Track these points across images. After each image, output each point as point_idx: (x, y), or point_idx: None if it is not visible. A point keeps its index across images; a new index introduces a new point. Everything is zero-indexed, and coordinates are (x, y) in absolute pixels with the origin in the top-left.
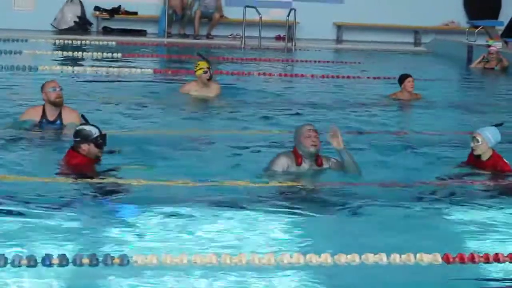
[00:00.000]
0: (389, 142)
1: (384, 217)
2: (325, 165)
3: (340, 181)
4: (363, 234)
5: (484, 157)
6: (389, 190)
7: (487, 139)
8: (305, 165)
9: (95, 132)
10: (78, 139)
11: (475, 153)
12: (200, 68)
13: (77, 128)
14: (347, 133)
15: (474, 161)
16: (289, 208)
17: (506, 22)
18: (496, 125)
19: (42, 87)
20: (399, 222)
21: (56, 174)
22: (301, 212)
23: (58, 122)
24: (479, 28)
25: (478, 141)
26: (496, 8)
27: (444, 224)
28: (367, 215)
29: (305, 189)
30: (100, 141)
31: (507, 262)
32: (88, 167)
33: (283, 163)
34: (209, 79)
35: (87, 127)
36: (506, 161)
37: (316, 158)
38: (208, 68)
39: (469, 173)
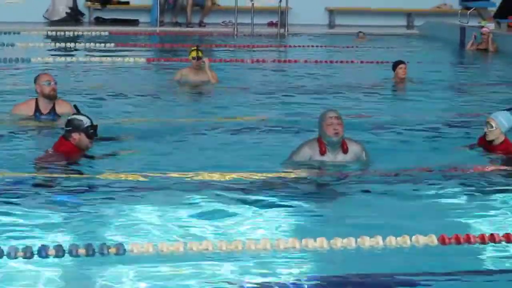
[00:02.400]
0: (383, 126)
1: (379, 200)
2: (351, 151)
3: (341, 169)
4: (358, 217)
5: (497, 142)
6: (383, 173)
7: (501, 124)
8: (330, 154)
9: (86, 122)
10: (69, 128)
11: (488, 138)
12: (190, 55)
13: (69, 118)
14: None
15: (485, 144)
16: (285, 194)
17: (498, 3)
18: (509, 109)
19: (36, 80)
20: (395, 205)
21: (47, 162)
22: (297, 197)
23: (52, 114)
24: (472, 9)
25: (492, 127)
26: None
27: (440, 205)
28: (362, 198)
29: (311, 177)
30: (91, 131)
31: (503, 242)
32: (79, 156)
33: (305, 154)
34: (199, 62)
35: (78, 117)
36: None
37: (342, 144)
38: (198, 54)
39: (475, 155)
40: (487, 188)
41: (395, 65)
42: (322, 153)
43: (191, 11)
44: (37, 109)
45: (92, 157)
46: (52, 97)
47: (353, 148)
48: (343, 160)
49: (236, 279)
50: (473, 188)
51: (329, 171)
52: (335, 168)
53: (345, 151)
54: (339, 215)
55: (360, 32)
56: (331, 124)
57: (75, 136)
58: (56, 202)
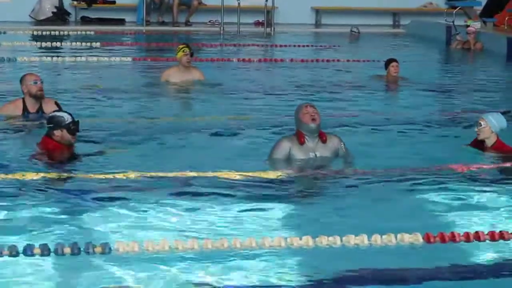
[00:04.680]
0: (370, 124)
1: (364, 198)
2: (329, 142)
3: (333, 167)
4: (344, 215)
5: (489, 143)
6: (369, 172)
7: (491, 123)
8: (309, 144)
9: (67, 118)
10: (51, 125)
11: (479, 138)
12: (181, 50)
13: (50, 115)
14: (329, 116)
15: (478, 147)
16: (269, 193)
17: (483, 2)
18: (504, 113)
19: (22, 80)
20: (380, 203)
21: (32, 161)
22: (281, 195)
23: (40, 113)
24: (457, 8)
25: (481, 125)
26: None
27: (425, 203)
28: (347, 196)
29: (295, 175)
30: (72, 127)
31: (487, 241)
32: (63, 154)
33: (284, 147)
34: (192, 58)
35: (59, 114)
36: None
37: (320, 135)
38: (190, 51)
39: (466, 154)
40: (473, 187)
41: (388, 63)
42: (301, 143)
43: (177, 11)
44: (25, 108)
45: (78, 156)
46: (39, 97)
47: (332, 139)
48: (323, 149)
49: (222, 277)
50: (459, 186)
51: (311, 163)
52: (316, 159)
53: (324, 141)
54: (324, 213)
55: (352, 30)
56: (307, 112)
57: (57, 133)
58: (41, 201)
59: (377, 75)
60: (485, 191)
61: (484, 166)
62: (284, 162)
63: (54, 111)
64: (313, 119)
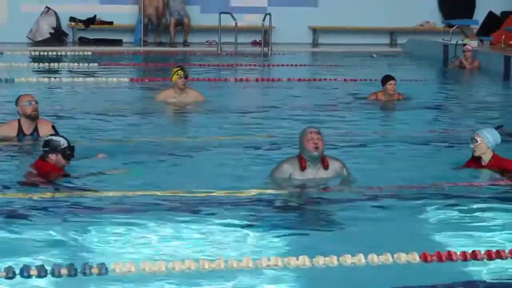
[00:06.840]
0: (368, 144)
1: (360, 218)
2: (331, 168)
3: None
4: (340, 235)
5: (485, 159)
6: (366, 191)
7: (486, 138)
8: (310, 170)
9: (63, 143)
10: (46, 149)
11: (475, 154)
12: (176, 74)
13: (46, 139)
14: (326, 135)
15: (474, 165)
16: (266, 212)
17: (481, 21)
18: (496, 128)
19: (17, 101)
20: (376, 222)
21: (26, 182)
22: (278, 215)
23: (34, 134)
24: (454, 27)
25: (476, 141)
26: (470, 7)
27: (421, 223)
28: (343, 216)
29: (292, 194)
30: (68, 152)
31: (484, 260)
32: (58, 175)
33: (285, 171)
34: (186, 80)
35: (55, 138)
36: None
37: (322, 160)
38: (184, 73)
39: (463, 172)
40: (470, 205)
41: (385, 80)
42: (303, 168)
43: (174, 31)
44: (20, 130)
45: (73, 177)
46: (33, 117)
47: (334, 165)
48: (324, 176)
49: None
50: (456, 205)
51: (310, 187)
52: (316, 184)
53: (325, 167)
54: (320, 233)
55: (372, 55)
56: (311, 139)
57: (52, 157)
58: (37, 222)
59: (373, 92)
60: (481, 209)
61: (482, 184)
62: (283, 184)
63: (50, 135)
64: (316, 147)
